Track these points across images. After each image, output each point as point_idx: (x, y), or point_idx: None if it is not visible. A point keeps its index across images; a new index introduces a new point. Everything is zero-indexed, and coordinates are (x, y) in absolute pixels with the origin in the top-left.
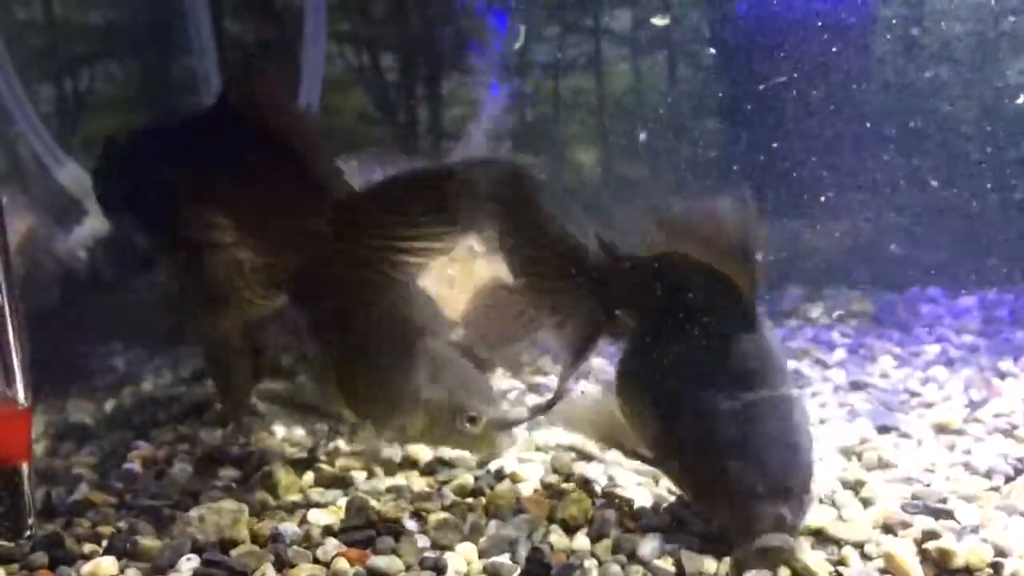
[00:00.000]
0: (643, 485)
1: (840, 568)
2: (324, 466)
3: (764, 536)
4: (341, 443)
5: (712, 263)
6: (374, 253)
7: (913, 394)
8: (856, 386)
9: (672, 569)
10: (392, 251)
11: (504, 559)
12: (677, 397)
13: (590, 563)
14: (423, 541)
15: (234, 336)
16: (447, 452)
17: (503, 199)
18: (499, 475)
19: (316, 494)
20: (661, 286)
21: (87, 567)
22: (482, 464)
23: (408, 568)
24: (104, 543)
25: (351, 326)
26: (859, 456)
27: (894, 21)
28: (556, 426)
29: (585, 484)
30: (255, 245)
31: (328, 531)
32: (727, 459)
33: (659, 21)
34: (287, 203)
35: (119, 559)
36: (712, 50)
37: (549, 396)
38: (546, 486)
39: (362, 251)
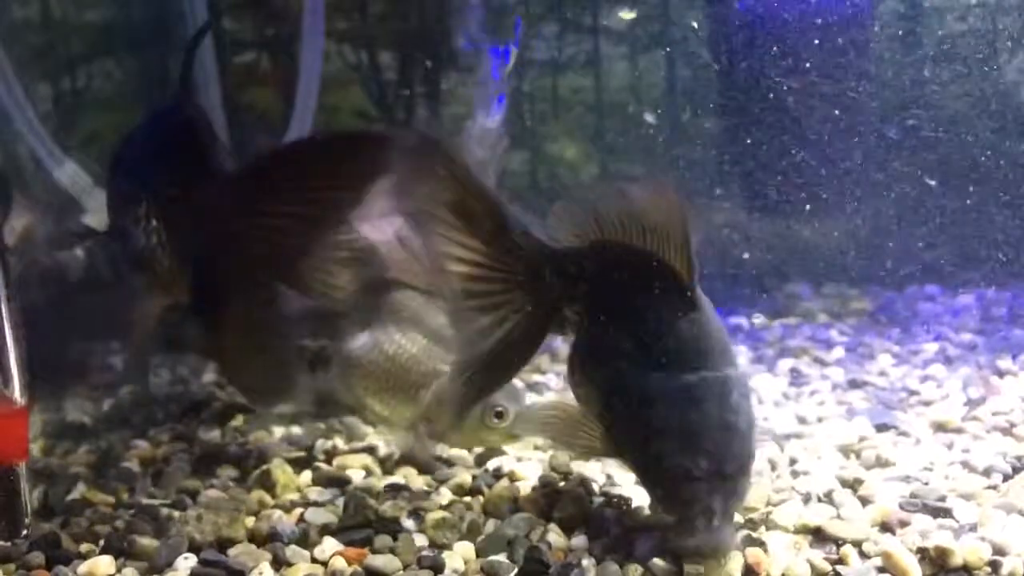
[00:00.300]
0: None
1: (839, 567)
2: (322, 465)
3: (698, 536)
4: (339, 442)
5: (647, 247)
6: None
7: (912, 392)
8: (854, 384)
9: (670, 567)
10: (283, 223)
11: (502, 558)
12: (617, 380)
13: (588, 562)
14: (421, 540)
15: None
16: (445, 450)
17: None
18: (497, 474)
19: (314, 493)
20: (598, 273)
21: (84, 566)
22: (480, 463)
23: (406, 567)
24: (101, 542)
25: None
26: (857, 454)
27: (893, 18)
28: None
29: (583, 483)
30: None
31: (326, 530)
32: (661, 440)
33: (625, 15)
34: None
35: (116, 558)
36: (708, 47)
37: (549, 395)
38: (544, 485)
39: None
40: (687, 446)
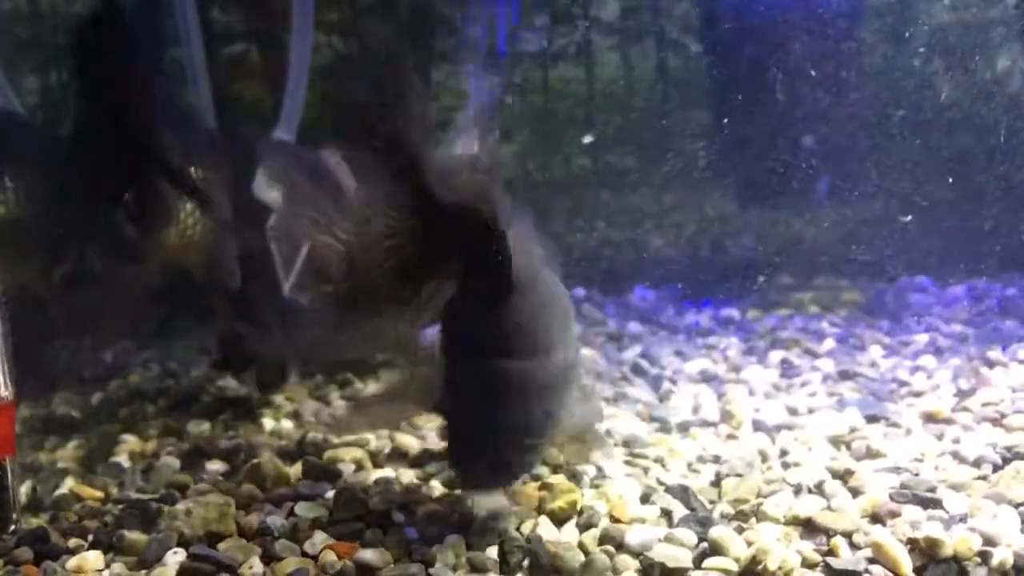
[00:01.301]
0: (632, 476)
1: (829, 558)
2: (312, 458)
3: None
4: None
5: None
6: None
7: (902, 383)
8: (845, 375)
9: (661, 559)
10: None
11: (492, 551)
12: (443, 348)
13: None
14: (411, 533)
15: None
16: (439, 444)
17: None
18: None
19: (304, 487)
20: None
21: (72, 561)
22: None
23: (396, 561)
24: (90, 537)
25: None
26: (848, 445)
27: (885, 7)
28: None
29: (574, 476)
30: None
31: (316, 524)
32: (452, 415)
33: None
34: None
35: (105, 553)
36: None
37: None
38: (535, 478)
39: None
40: (466, 429)
